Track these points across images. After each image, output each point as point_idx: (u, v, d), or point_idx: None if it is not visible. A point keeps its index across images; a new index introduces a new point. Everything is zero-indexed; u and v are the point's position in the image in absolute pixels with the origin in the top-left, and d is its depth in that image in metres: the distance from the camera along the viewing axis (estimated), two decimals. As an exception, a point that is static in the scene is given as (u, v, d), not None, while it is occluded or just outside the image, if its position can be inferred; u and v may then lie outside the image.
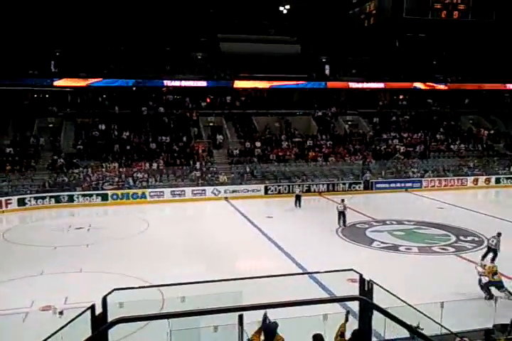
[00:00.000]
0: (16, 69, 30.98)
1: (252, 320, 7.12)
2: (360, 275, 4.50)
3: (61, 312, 9.12)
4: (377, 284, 5.19)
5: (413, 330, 3.05)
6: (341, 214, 20.96)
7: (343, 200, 21.50)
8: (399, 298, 5.77)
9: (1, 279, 14.14)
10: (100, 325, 4.11)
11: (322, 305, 10.38)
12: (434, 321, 6.63)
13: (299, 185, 28.54)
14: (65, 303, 12.12)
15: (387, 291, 5.27)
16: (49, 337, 4.31)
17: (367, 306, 2.84)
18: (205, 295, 9.29)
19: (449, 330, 7.05)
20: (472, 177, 32.59)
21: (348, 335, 6.22)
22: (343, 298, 3.61)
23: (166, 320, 7.36)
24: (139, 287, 4.31)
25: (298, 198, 25.56)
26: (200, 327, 7.35)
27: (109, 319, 4.26)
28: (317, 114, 37.42)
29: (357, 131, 36.85)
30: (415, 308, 6.82)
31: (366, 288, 3.04)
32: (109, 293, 4.25)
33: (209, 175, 29.80)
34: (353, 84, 38.19)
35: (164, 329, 7.20)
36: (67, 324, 5.02)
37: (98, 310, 4.86)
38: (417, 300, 11.62)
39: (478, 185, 32.25)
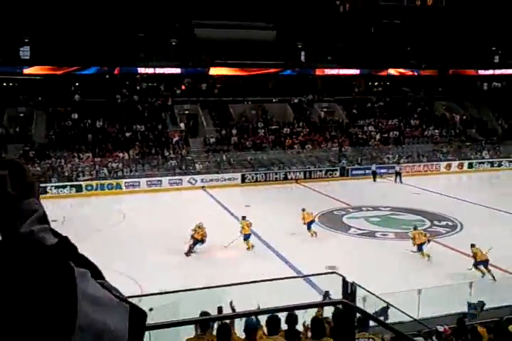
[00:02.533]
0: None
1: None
2: (343, 278, 4.41)
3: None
4: (360, 286, 5.13)
5: (395, 330, 3.02)
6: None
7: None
8: (381, 299, 5.71)
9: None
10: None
11: (303, 292, 10.40)
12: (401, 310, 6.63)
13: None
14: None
15: (370, 293, 5.21)
16: None
17: (350, 309, 2.78)
18: (184, 291, 9.26)
19: (412, 318, 7.13)
20: (445, 163, 33.09)
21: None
22: (328, 302, 3.54)
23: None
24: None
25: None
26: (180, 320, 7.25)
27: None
28: (293, 101, 37.36)
29: (333, 118, 36.96)
30: (394, 306, 6.84)
31: (349, 290, 2.97)
32: None
33: (185, 164, 29.57)
34: (328, 71, 38.22)
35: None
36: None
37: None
38: (396, 286, 11.86)
39: (452, 170, 32.78)
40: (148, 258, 15.06)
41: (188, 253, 15.94)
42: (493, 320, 7.03)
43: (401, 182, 28.72)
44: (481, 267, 13.15)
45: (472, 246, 13.54)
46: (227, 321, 5.53)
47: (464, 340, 6.10)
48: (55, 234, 0.88)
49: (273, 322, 4.80)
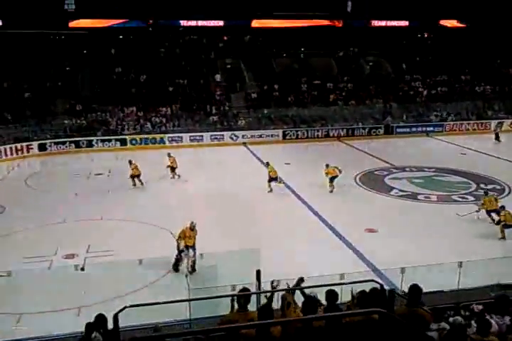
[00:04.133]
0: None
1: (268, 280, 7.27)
2: (381, 286, 4.31)
3: (82, 269, 9.42)
4: (398, 294, 5.02)
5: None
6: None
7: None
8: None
9: (26, 226, 14.58)
10: None
11: (343, 263, 10.46)
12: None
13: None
14: (87, 252, 12.52)
15: (403, 297, 5.11)
16: None
17: (387, 319, 2.75)
18: (223, 253, 9.50)
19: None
20: (496, 121, 31.67)
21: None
22: (365, 311, 3.50)
23: (184, 277, 7.60)
24: (153, 303, 4.22)
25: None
26: (218, 286, 7.49)
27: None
28: (338, 54, 36.14)
29: (379, 73, 35.66)
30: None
31: (387, 297, 2.93)
32: (121, 310, 4.18)
33: (227, 120, 29.52)
34: (376, 22, 36.50)
35: (183, 286, 7.35)
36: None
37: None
38: (437, 253, 11.76)
39: (503, 129, 31.33)
40: (189, 216, 15.30)
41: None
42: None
43: (499, 140, 27.96)
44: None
45: (503, 208, 13.62)
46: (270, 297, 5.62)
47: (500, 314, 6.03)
48: None
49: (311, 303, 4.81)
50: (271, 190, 18.20)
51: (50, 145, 25.89)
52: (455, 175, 20.46)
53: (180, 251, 11.16)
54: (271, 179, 18.14)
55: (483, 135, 30.32)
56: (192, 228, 11.58)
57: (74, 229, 14.40)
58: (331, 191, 17.98)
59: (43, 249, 12.72)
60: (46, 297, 9.68)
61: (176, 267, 11.13)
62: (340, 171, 18.18)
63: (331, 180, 18.02)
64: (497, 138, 28.12)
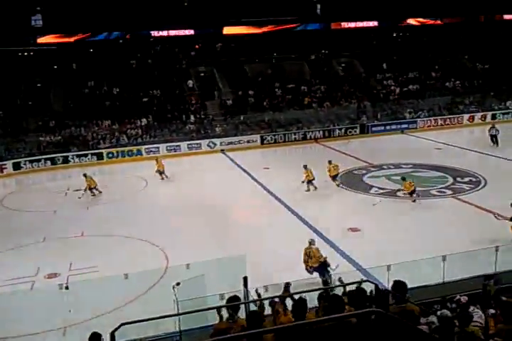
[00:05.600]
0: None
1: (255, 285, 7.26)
2: (376, 286, 4.33)
3: (67, 287, 9.25)
4: (391, 292, 5.03)
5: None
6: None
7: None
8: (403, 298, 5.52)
9: (5, 247, 14.29)
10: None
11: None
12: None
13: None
14: (69, 270, 12.31)
15: (396, 295, 5.15)
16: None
17: (382, 318, 2.76)
18: (210, 261, 9.45)
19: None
20: (468, 115, 32.28)
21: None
22: (359, 312, 3.51)
23: (171, 288, 7.51)
24: (148, 319, 4.16)
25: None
26: (207, 296, 7.44)
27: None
28: (310, 57, 36.45)
29: (351, 74, 36.06)
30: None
31: (381, 297, 2.95)
32: (117, 328, 4.13)
33: (203, 128, 29.46)
34: (345, 24, 36.97)
35: (171, 298, 7.27)
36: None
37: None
38: (419, 247, 11.89)
39: (475, 122, 31.96)
40: (172, 226, 15.25)
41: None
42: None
43: (497, 144, 24.44)
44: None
45: None
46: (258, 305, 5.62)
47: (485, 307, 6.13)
48: None
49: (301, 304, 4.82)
50: (308, 190, 18.50)
51: (24, 164, 25.46)
52: (432, 170, 20.74)
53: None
54: (309, 181, 18.43)
55: (455, 129, 30.87)
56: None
57: (55, 248, 14.16)
58: (308, 190, 18.43)
59: (24, 270, 12.46)
60: (31, 318, 9.48)
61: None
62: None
63: (309, 182, 18.46)
64: (495, 141, 24.70)
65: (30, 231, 15.77)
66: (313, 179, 18.49)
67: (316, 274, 10.73)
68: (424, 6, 37.36)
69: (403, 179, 17.24)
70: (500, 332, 4.85)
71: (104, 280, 9.95)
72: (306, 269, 10.83)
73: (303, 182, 18.41)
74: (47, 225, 16.25)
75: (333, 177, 18.97)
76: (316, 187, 18.56)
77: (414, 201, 16.69)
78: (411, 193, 16.77)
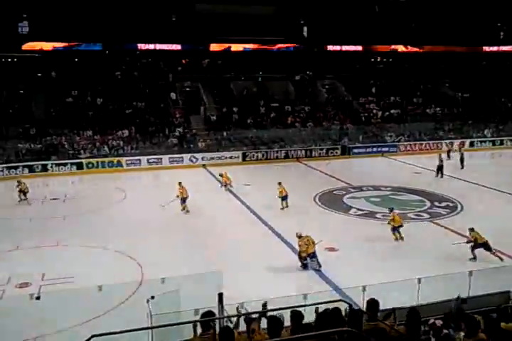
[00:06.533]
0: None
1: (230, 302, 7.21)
2: (350, 306, 4.37)
3: (38, 298, 9.04)
4: (365, 312, 5.10)
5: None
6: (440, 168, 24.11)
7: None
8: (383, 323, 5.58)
9: (-24, 255, 13.94)
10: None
11: (305, 283, 10.42)
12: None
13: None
14: (42, 279, 12.05)
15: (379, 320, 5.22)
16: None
17: (356, 338, 2.80)
18: (185, 276, 9.37)
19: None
20: (447, 141, 32.91)
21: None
22: (335, 330, 3.54)
23: (145, 303, 7.42)
24: (121, 332, 4.11)
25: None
26: (181, 311, 7.36)
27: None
28: (295, 78, 36.93)
29: (335, 96, 36.61)
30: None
31: (355, 318, 3.00)
32: (88, 340, 4.07)
33: (186, 143, 29.44)
34: (331, 47, 37.64)
35: (144, 312, 7.18)
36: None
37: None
38: (395, 269, 11.97)
39: (453, 149, 32.51)
40: (149, 239, 15.13)
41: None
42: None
43: (442, 176, 24.34)
44: (479, 250, 13.15)
45: (471, 230, 13.45)
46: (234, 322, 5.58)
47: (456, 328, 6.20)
48: None
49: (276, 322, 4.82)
50: (283, 208, 18.67)
51: (1, 170, 25.05)
52: (410, 194, 21.03)
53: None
54: (283, 197, 18.64)
55: (435, 154, 31.32)
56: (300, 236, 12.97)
57: (28, 257, 13.86)
58: (282, 208, 18.60)
59: (-6, 278, 12.16)
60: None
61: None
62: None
63: (284, 198, 18.70)
64: (440, 173, 24.56)
65: (3, 238, 15.41)
66: (287, 195, 18.59)
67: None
68: (408, 34, 38.38)
69: (391, 210, 15.60)
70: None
71: (77, 292, 9.77)
72: (301, 261, 12.76)
73: (279, 197, 18.61)
74: (21, 233, 15.91)
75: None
76: (287, 205, 18.68)
77: (401, 239, 15.07)
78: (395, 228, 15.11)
